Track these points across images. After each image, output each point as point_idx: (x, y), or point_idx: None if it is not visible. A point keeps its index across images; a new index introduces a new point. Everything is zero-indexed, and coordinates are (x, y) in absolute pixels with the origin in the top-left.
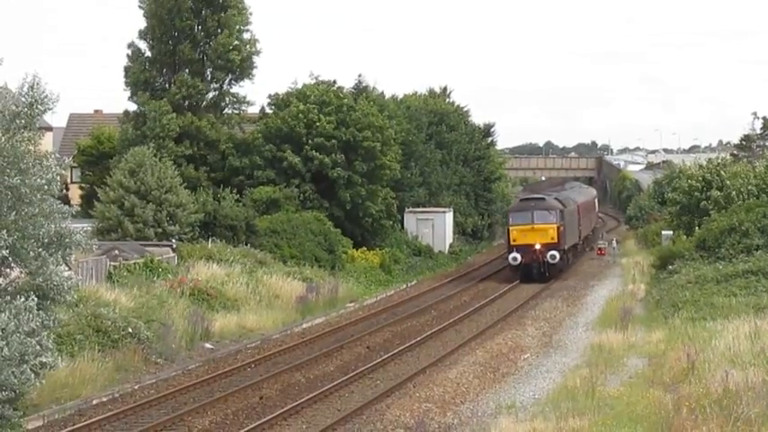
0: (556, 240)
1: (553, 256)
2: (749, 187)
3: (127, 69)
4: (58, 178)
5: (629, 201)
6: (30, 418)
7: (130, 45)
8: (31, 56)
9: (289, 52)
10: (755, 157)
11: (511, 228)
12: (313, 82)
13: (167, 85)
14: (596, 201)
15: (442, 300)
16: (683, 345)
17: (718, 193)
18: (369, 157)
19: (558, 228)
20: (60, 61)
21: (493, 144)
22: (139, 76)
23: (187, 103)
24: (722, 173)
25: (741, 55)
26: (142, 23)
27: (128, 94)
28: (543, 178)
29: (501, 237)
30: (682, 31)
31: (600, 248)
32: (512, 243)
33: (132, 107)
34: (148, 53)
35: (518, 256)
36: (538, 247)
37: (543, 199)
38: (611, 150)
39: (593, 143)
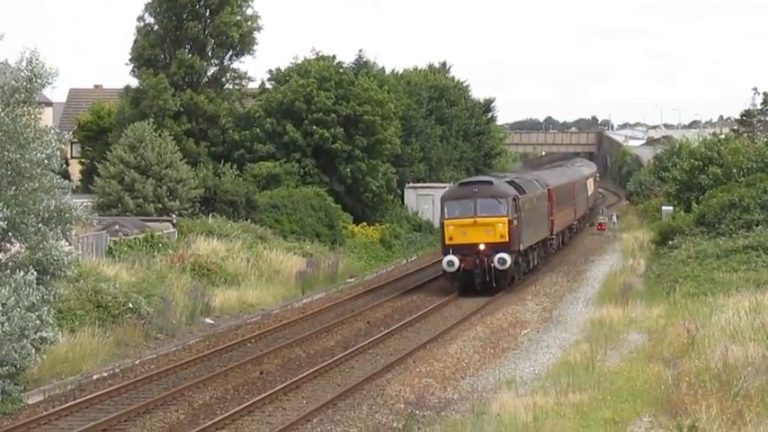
0: (506, 239)
1: (502, 261)
2: (750, 164)
3: (135, 42)
4: (58, 153)
5: (630, 176)
6: (30, 393)
7: (140, 18)
8: (30, 31)
9: (290, 28)
10: (756, 133)
11: (446, 222)
12: (314, 57)
13: (168, 62)
14: (591, 180)
15: (442, 275)
16: (683, 320)
17: (719, 170)
18: (369, 131)
19: (511, 222)
20: (60, 36)
21: (493, 119)
22: (143, 53)
23: (187, 78)
24: (722, 149)
25: (743, 30)
26: None
27: (129, 68)
28: (543, 153)
29: None
30: (684, 5)
31: (600, 224)
32: (447, 242)
33: (134, 82)
34: (159, 29)
35: (455, 259)
36: (482, 247)
37: (490, 183)
38: (612, 126)
39: (594, 118)
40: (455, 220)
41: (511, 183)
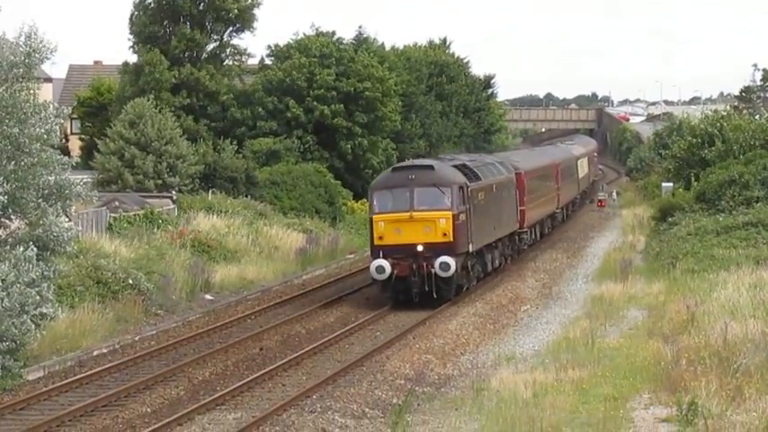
0: (451, 238)
1: (445, 266)
2: (750, 141)
3: (132, 18)
4: (57, 128)
5: (630, 152)
6: (30, 369)
7: None
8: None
9: (289, 3)
10: (756, 109)
11: (376, 218)
12: (314, 34)
13: (168, 38)
14: (585, 160)
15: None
16: (683, 296)
17: (721, 146)
18: (369, 108)
19: (456, 216)
20: (59, 12)
21: (493, 96)
22: (143, 29)
23: (187, 54)
24: (724, 125)
25: (743, 6)
26: None
27: (129, 44)
28: (543, 130)
29: None
30: None
31: (600, 200)
32: (376, 243)
33: (133, 58)
34: (153, 4)
35: (386, 264)
36: (420, 249)
37: (430, 167)
38: (612, 102)
39: (594, 95)
40: (387, 214)
41: (460, 167)
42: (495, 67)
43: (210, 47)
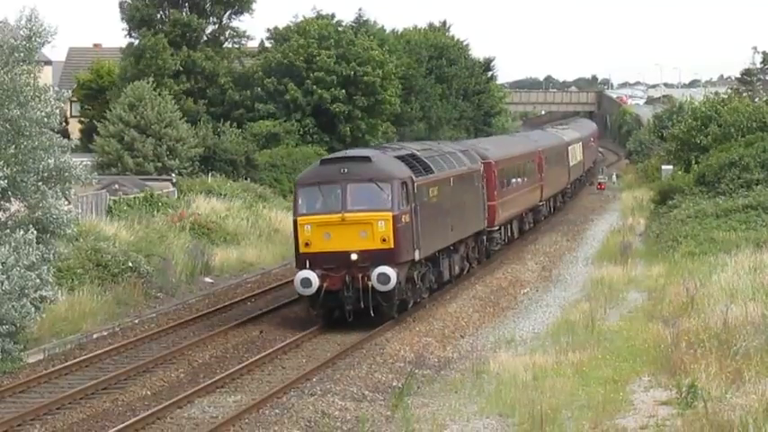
0: (391, 244)
1: (384, 278)
2: (749, 123)
3: (122, 4)
4: (57, 111)
5: (629, 135)
6: (30, 352)
7: None
8: None
9: None
10: (756, 92)
11: (301, 220)
12: (314, 15)
13: (166, 20)
14: (579, 146)
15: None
16: (683, 279)
17: (717, 129)
18: (369, 91)
19: (398, 218)
20: None
21: (493, 78)
22: (136, 14)
23: (186, 37)
24: (721, 108)
25: None
26: None
27: (122, 27)
28: (543, 112)
29: None
30: None
31: (600, 183)
32: (302, 250)
33: (131, 42)
34: None
35: (313, 276)
36: (354, 257)
37: (367, 159)
38: (612, 85)
39: (594, 77)
40: (314, 216)
41: (406, 158)
42: (494, 50)
43: (209, 29)
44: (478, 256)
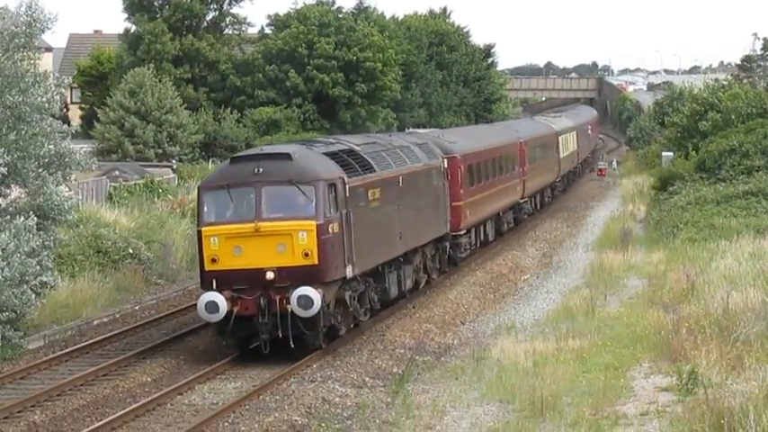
0: (315, 260)
1: (306, 301)
2: (749, 109)
3: None
4: (58, 98)
5: (630, 122)
6: (31, 339)
7: None
8: None
9: None
10: (756, 78)
11: (206, 230)
12: (314, 2)
13: (166, 6)
14: (573, 134)
15: None
16: (683, 266)
17: (718, 116)
18: (369, 77)
19: (323, 228)
20: None
21: (493, 65)
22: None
23: (186, 24)
24: (721, 95)
25: None
26: None
27: (123, 12)
28: (544, 99)
29: None
30: None
31: (600, 169)
32: (208, 268)
33: (133, 28)
34: None
35: (221, 300)
36: (270, 276)
37: (286, 157)
38: (612, 71)
39: (594, 64)
40: (222, 226)
41: (339, 154)
42: (495, 37)
43: (210, 16)
44: (440, 266)
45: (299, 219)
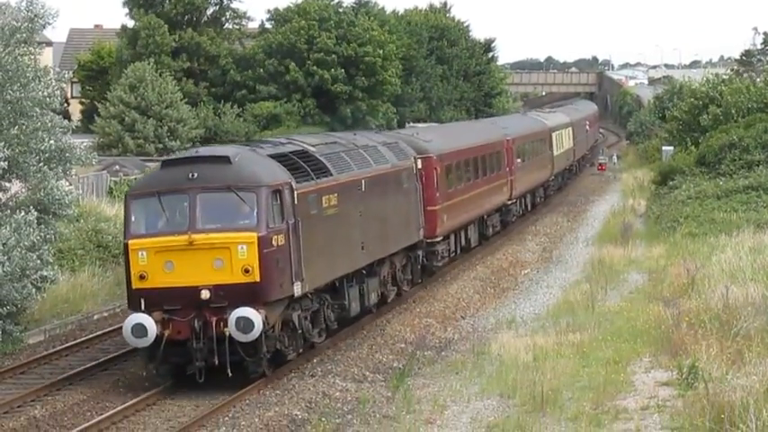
0: (257, 277)
1: (246, 324)
2: (749, 104)
3: None
4: (58, 92)
5: (630, 116)
6: (31, 333)
7: None
8: None
9: None
10: (756, 72)
11: (133, 243)
12: None
13: (167, 0)
14: (569, 131)
15: None
16: (684, 260)
17: (718, 110)
18: (369, 72)
19: (267, 240)
20: None
21: (493, 59)
22: None
23: (186, 18)
24: (722, 89)
25: None
26: None
27: (124, 8)
28: (544, 93)
29: None
30: None
31: (600, 164)
32: (135, 286)
33: (131, 23)
34: None
35: (149, 322)
36: (205, 295)
37: (225, 160)
38: (612, 66)
39: (594, 58)
40: (151, 239)
41: (288, 156)
42: (495, 31)
43: (210, 10)
44: (412, 276)
45: (239, 230)
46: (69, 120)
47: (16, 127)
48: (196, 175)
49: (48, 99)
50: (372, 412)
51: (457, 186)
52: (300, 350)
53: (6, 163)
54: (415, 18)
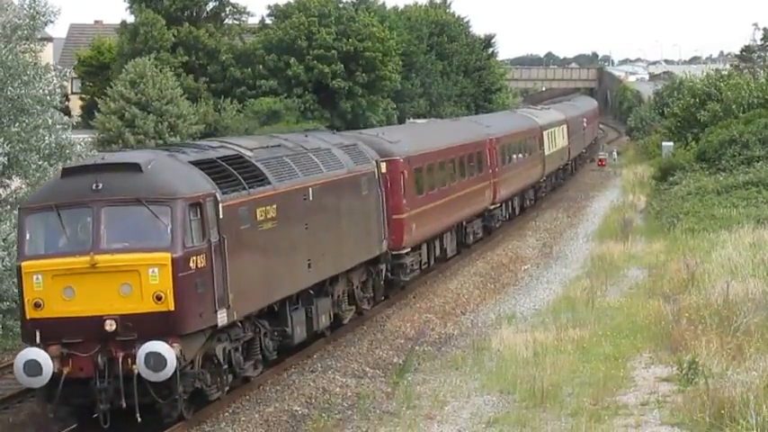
0: (170, 305)
1: (157, 362)
2: (750, 99)
3: None
4: (59, 90)
5: (630, 112)
6: None
7: None
8: None
9: None
10: (756, 68)
11: (27, 266)
12: None
13: None
14: (564, 128)
15: None
16: (684, 256)
17: (717, 106)
18: (369, 67)
19: (183, 262)
20: None
21: (494, 55)
22: None
23: (186, 13)
24: (722, 85)
25: None
26: None
27: (125, 4)
28: (544, 89)
29: None
30: None
31: (600, 159)
32: (30, 315)
33: (131, 18)
34: None
35: (45, 358)
36: (110, 326)
37: (135, 167)
38: (612, 61)
39: (594, 54)
40: (48, 260)
41: (214, 163)
42: (495, 27)
43: (210, 6)
44: (374, 293)
45: (150, 250)
46: (69, 115)
47: (17, 124)
48: (101, 185)
49: (48, 97)
50: (372, 408)
51: (429, 192)
52: (227, 388)
53: (7, 159)
54: (415, 14)
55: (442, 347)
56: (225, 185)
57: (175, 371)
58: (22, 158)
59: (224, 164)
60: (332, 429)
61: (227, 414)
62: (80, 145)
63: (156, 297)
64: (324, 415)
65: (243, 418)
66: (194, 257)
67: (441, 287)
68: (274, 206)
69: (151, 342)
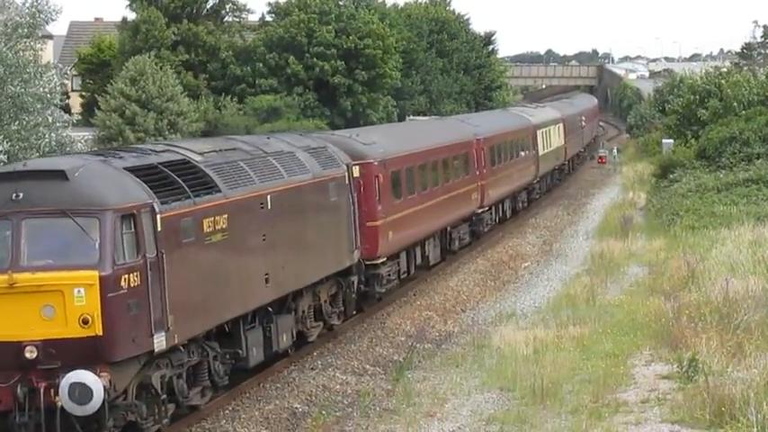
0: (99, 330)
1: (82, 393)
2: (750, 97)
3: None
4: (59, 88)
5: (630, 109)
6: None
7: None
8: None
9: None
10: (757, 65)
11: None
12: None
13: None
14: (560, 127)
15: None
16: (684, 253)
17: (718, 104)
18: (369, 65)
19: (113, 281)
20: None
21: (494, 52)
22: None
23: (186, 11)
24: (722, 82)
25: None
26: None
27: (126, 1)
28: (544, 86)
29: None
30: None
31: (600, 157)
32: None
33: (132, 15)
34: None
35: None
36: (31, 353)
37: (61, 175)
38: (612, 59)
39: (594, 51)
40: None
41: (154, 169)
42: (495, 24)
43: (210, 3)
44: (345, 307)
45: (75, 268)
46: (69, 113)
47: (17, 122)
48: (21, 195)
49: (49, 95)
50: (372, 405)
51: (408, 196)
52: (166, 419)
53: (7, 157)
54: (416, 11)
55: (443, 345)
56: (165, 194)
57: (103, 403)
58: (21, 156)
59: (166, 170)
60: (332, 427)
61: (227, 412)
62: (80, 143)
63: (83, 320)
64: (324, 412)
65: (243, 416)
66: (126, 276)
67: (441, 284)
68: (225, 216)
69: (76, 371)
